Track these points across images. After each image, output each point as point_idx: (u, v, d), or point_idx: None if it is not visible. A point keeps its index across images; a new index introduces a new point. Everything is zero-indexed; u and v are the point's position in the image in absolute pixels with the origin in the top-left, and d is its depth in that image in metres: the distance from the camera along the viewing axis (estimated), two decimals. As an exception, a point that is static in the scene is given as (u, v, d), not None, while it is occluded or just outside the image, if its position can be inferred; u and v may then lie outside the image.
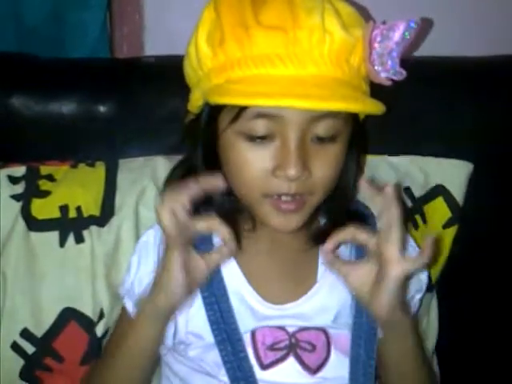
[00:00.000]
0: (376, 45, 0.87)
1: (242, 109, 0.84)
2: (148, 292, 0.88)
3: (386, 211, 0.83)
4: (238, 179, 0.88)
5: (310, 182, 0.86)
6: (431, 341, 1.11)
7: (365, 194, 0.86)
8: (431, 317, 1.12)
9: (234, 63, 0.85)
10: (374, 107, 0.87)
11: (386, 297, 0.83)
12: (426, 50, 1.23)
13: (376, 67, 0.88)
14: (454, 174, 1.12)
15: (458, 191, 1.11)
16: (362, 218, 0.96)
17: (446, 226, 1.12)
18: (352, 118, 0.89)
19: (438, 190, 1.12)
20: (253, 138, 0.85)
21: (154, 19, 1.32)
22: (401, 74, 0.89)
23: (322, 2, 0.87)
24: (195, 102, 0.92)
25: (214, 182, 0.84)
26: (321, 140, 0.86)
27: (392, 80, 0.89)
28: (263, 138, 0.85)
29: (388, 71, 0.88)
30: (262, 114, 0.83)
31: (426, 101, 1.16)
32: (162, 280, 0.86)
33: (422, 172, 1.12)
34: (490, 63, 1.21)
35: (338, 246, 0.89)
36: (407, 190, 1.11)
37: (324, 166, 0.86)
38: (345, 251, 0.96)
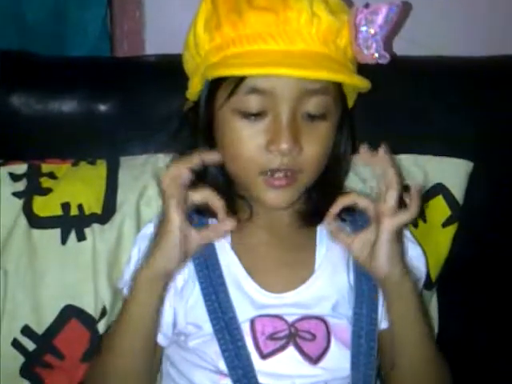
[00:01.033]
0: (361, 28, 0.91)
1: (237, 84, 0.88)
2: (143, 260, 0.90)
3: (383, 174, 0.87)
4: (234, 157, 0.91)
5: (301, 159, 0.90)
6: (431, 339, 1.12)
7: (364, 159, 0.88)
8: (431, 315, 1.11)
9: (230, 42, 0.90)
10: (360, 81, 0.92)
11: (383, 251, 0.86)
12: (426, 49, 1.23)
13: (362, 50, 0.91)
14: (453, 172, 1.12)
15: (458, 190, 1.12)
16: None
17: (445, 224, 1.12)
18: (341, 99, 0.94)
19: (438, 189, 1.12)
20: (247, 115, 0.89)
21: (155, 17, 1.32)
22: (385, 58, 0.92)
23: None
24: (194, 89, 0.96)
25: (211, 156, 0.88)
26: (311, 118, 0.90)
27: (377, 63, 0.92)
28: (257, 115, 0.89)
29: (373, 54, 0.92)
30: (255, 90, 0.88)
31: (426, 100, 1.17)
32: (160, 243, 0.87)
33: (421, 170, 1.12)
34: (491, 63, 1.21)
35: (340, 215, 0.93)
36: (407, 188, 1.11)
37: (314, 143, 0.90)
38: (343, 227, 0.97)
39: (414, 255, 0.98)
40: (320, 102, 0.89)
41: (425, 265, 1.01)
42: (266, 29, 0.89)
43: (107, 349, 0.94)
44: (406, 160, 1.12)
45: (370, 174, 1.09)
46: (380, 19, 0.90)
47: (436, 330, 1.12)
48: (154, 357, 0.95)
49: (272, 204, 0.92)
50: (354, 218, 0.98)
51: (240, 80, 0.88)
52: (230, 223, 0.89)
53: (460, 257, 1.13)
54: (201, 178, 0.92)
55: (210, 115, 0.93)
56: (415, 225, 1.11)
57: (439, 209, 1.12)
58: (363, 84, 0.92)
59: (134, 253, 0.97)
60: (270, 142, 0.88)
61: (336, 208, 0.91)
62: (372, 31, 0.90)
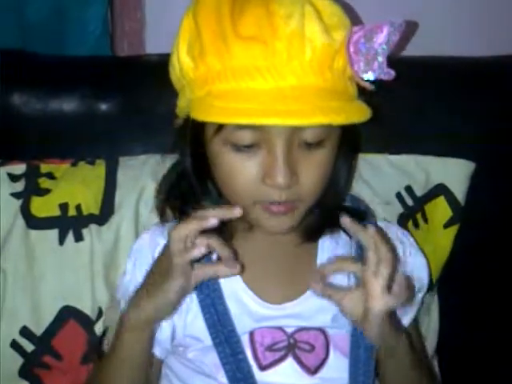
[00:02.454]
0: (360, 47, 0.84)
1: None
2: (133, 298, 0.88)
3: (372, 249, 0.81)
4: (228, 187, 0.88)
5: (299, 189, 0.85)
6: (432, 341, 1.11)
7: (348, 230, 0.84)
8: (432, 317, 1.11)
9: (215, 76, 0.83)
10: (358, 115, 0.85)
11: (373, 328, 0.83)
12: (428, 50, 1.22)
13: (362, 68, 0.85)
14: (455, 173, 1.11)
15: (460, 190, 1.11)
16: (356, 213, 0.95)
17: (447, 225, 1.11)
18: None
19: (440, 189, 1.11)
20: (239, 148, 0.84)
21: (155, 17, 1.32)
22: (389, 74, 0.85)
23: (303, 4, 0.84)
24: (182, 109, 0.91)
25: (230, 214, 0.83)
26: (308, 145, 0.85)
27: (381, 80, 0.86)
28: (249, 147, 0.84)
29: (375, 72, 0.85)
30: (245, 126, 0.82)
31: (427, 99, 1.16)
32: (154, 294, 0.85)
33: (423, 171, 1.11)
34: (493, 63, 1.21)
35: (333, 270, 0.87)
36: (408, 188, 1.11)
37: (312, 172, 0.86)
38: (347, 248, 0.96)
39: (417, 265, 0.98)
40: (316, 131, 0.84)
41: (427, 276, 1.00)
42: (253, 62, 0.81)
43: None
44: (408, 160, 1.11)
45: (371, 175, 1.10)
46: (381, 38, 0.83)
47: (436, 332, 1.11)
48: (151, 370, 0.94)
49: (272, 231, 0.89)
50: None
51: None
52: (235, 270, 0.84)
53: (461, 258, 1.12)
54: (198, 193, 0.91)
55: (201, 144, 0.88)
56: (416, 225, 1.10)
57: (441, 209, 1.11)
58: (360, 117, 0.84)
59: (129, 266, 0.96)
60: (265, 176, 0.83)
61: (319, 280, 0.84)
62: (372, 50, 0.83)
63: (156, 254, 0.91)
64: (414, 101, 1.15)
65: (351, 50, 0.84)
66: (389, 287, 0.81)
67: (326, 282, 0.85)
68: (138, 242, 0.97)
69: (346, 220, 0.82)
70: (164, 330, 0.92)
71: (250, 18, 0.83)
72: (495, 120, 1.17)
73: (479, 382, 1.13)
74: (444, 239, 1.11)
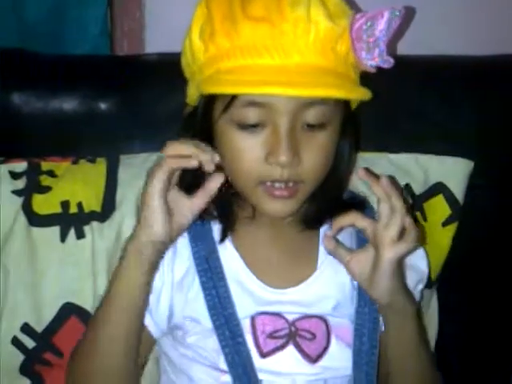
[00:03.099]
0: (362, 34, 0.88)
1: (232, 98, 0.86)
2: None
3: (385, 200, 0.86)
4: (233, 167, 0.90)
5: (301, 170, 0.88)
6: (431, 338, 1.11)
7: (363, 180, 0.89)
8: (431, 314, 1.12)
9: (224, 54, 0.88)
10: (358, 93, 0.90)
11: (383, 280, 0.87)
12: (429, 48, 1.23)
13: (364, 56, 0.89)
14: (454, 171, 1.12)
15: (458, 189, 1.12)
16: (356, 203, 0.98)
17: (445, 223, 1.12)
18: (343, 105, 0.92)
19: (438, 188, 1.12)
20: (244, 127, 0.88)
21: (155, 16, 1.32)
22: (389, 62, 0.90)
23: None
24: (191, 95, 0.95)
25: (211, 158, 0.87)
26: (311, 127, 0.88)
27: (379, 68, 0.91)
28: (254, 126, 0.87)
29: (375, 59, 0.89)
30: (251, 103, 0.86)
31: (427, 99, 1.17)
32: (142, 211, 0.88)
33: (422, 169, 1.12)
34: (493, 62, 1.21)
35: (340, 232, 0.92)
36: (407, 186, 1.12)
37: (314, 154, 0.89)
38: (347, 239, 0.97)
39: (416, 256, 0.98)
40: (319, 112, 0.87)
41: (427, 266, 1.01)
42: (260, 41, 0.86)
43: (90, 334, 0.93)
44: (407, 159, 1.12)
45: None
46: (382, 24, 0.88)
47: (435, 329, 1.12)
48: (142, 346, 0.94)
49: (273, 214, 0.91)
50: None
51: (235, 95, 0.86)
52: (219, 178, 0.89)
53: (460, 256, 1.13)
54: (201, 176, 0.92)
55: (208, 125, 0.92)
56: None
57: (439, 208, 1.12)
58: (359, 96, 0.90)
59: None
60: (269, 154, 0.87)
61: (332, 232, 0.90)
62: (373, 37, 0.88)
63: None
64: (414, 100, 1.16)
65: (353, 36, 0.88)
66: (400, 235, 0.85)
67: (338, 241, 0.91)
68: None
69: (361, 172, 0.87)
70: (162, 306, 0.93)
71: (259, 3, 0.88)
72: (494, 119, 1.17)
73: (478, 378, 1.14)
74: (443, 237, 1.12)
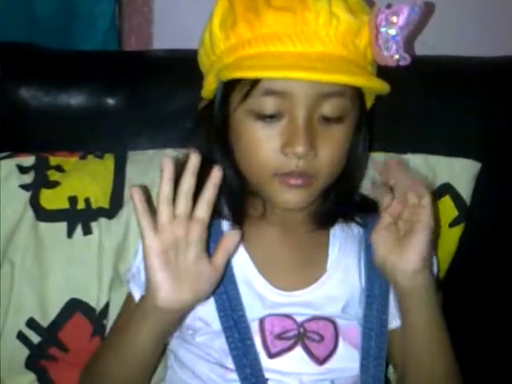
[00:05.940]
0: (381, 29, 0.89)
1: (252, 86, 0.87)
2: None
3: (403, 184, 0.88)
4: (249, 158, 0.90)
5: (316, 163, 0.88)
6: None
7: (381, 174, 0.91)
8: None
9: (245, 43, 0.88)
10: (379, 84, 0.90)
11: (418, 248, 0.86)
12: (437, 49, 1.23)
13: (382, 51, 0.90)
14: (461, 172, 1.12)
15: (466, 190, 1.12)
16: (368, 204, 0.98)
17: (452, 224, 1.12)
18: (359, 100, 0.92)
19: (445, 189, 1.12)
20: (262, 117, 0.88)
21: (163, 12, 1.32)
22: (405, 60, 0.90)
23: None
24: (209, 87, 0.95)
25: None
26: (327, 120, 0.88)
27: (397, 65, 0.91)
28: (272, 117, 0.88)
29: (393, 56, 0.90)
30: (270, 91, 0.86)
31: (435, 100, 1.16)
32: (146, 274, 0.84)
33: (429, 170, 1.12)
34: (501, 64, 1.21)
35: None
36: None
37: (330, 147, 0.89)
38: (355, 245, 0.97)
39: None
40: (336, 104, 0.88)
41: (436, 267, 1.00)
42: (283, 29, 0.87)
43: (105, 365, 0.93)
44: (415, 159, 1.12)
45: (377, 173, 1.10)
46: (401, 20, 0.88)
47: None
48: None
49: (287, 204, 0.91)
50: (365, 221, 0.98)
51: (255, 82, 0.87)
52: (234, 235, 0.85)
53: (466, 257, 1.13)
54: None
55: (225, 116, 0.92)
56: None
57: (446, 209, 1.11)
58: (381, 87, 0.91)
59: (140, 246, 0.95)
60: (285, 145, 0.87)
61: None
62: (393, 32, 0.88)
63: None
64: (423, 101, 1.16)
65: (373, 31, 0.89)
66: None
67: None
68: None
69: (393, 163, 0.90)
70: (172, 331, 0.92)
71: None
72: (502, 120, 1.17)
73: (483, 379, 1.13)
74: (449, 238, 1.11)
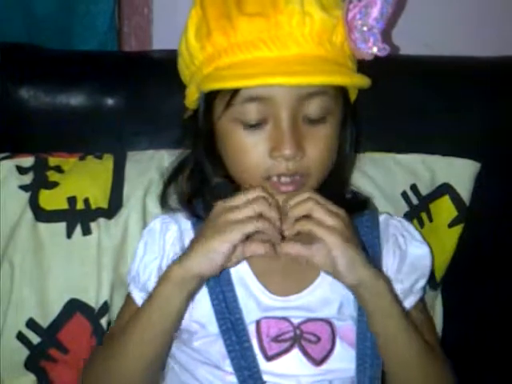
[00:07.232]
0: (356, 22, 0.89)
1: (233, 94, 0.87)
2: (178, 256, 0.88)
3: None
4: (238, 165, 0.91)
5: (306, 162, 0.89)
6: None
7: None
8: (436, 315, 1.12)
9: (221, 52, 0.88)
10: (359, 80, 0.91)
11: (340, 260, 0.84)
12: (435, 49, 1.23)
13: (359, 45, 0.90)
14: (461, 173, 1.12)
15: (465, 190, 1.11)
16: (358, 202, 0.99)
17: (451, 224, 1.11)
18: (342, 97, 0.93)
19: (445, 189, 1.12)
20: (247, 125, 0.88)
21: (163, 13, 1.33)
22: (384, 50, 0.90)
23: None
24: (191, 97, 0.96)
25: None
26: (311, 122, 0.89)
27: (376, 56, 0.91)
28: (257, 125, 0.88)
29: (371, 48, 0.90)
30: (251, 98, 0.87)
31: (434, 100, 1.16)
32: (201, 251, 0.85)
33: (429, 170, 1.12)
34: (500, 64, 1.21)
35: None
36: (414, 187, 1.12)
37: (317, 146, 0.89)
38: None
39: (419, 254, 0.97)
40: (319, 103, 0.88)
41: (430, 263, 0.98)
42: (257, 35, 0.87)
43: (106, 366, 0.92)
44: (414, 160, 1.12)
45: (375, 171, 1.10)
46: (375, 12, 0.89)
47: (440, 331, 1.12)
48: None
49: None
50: (359, 219, 0.97)
51: (236, 90, 0.87)
52: (260, 247, 0.86)
53: (465, 257, 1.13)
54: (205, 185, 0.94)
55: (210, 125, 0.93)
56: (421, 224, 1.11)
57: (446, 209, 1.11)
58: (361, 82, 0.91)
59: (140, 246, 0.96)
60: (273, 149, 0.87)
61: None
62: (367, 25, 0.88)
63: (167, 239, 0.94)
64: (421, 101, 1.16)
65: (348, 26, 0.89)
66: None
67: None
68: (149, 226, 0.98)
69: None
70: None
71: (253, 0, 0.89)
72: (501, 120, 1.17)
73: (483, 379, 1.13)
74: (448, 238, 1.11)
